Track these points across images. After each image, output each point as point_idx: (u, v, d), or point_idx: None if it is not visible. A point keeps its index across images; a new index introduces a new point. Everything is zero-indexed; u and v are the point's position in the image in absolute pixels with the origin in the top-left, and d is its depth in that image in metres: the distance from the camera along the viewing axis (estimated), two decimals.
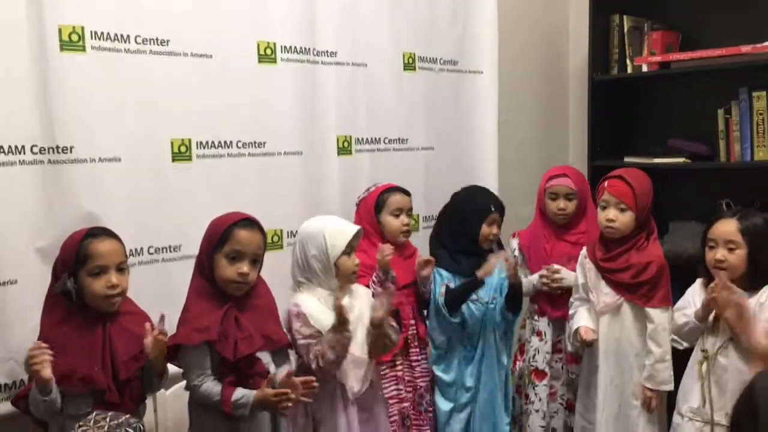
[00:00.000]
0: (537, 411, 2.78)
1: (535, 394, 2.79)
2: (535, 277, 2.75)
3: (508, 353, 2.70)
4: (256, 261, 2.07)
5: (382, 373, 2.47)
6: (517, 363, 2.85)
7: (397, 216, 2.58)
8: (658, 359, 2.42)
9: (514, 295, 2.61)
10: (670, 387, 2.44)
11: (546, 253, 2.77)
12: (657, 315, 2.43)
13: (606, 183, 2.51)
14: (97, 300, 1.89)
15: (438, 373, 2.64)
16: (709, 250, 2.32)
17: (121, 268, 1.94)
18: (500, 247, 2.73)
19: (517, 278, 2.58)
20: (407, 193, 2.65)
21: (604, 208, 2.50)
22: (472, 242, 2.60)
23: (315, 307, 2.17)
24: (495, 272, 2.58)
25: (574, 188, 2.73)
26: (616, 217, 2.46)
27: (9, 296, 2.12)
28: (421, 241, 2.88)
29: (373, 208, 2.58)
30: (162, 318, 1.93)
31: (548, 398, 2.77)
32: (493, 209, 2.59)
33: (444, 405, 2.63)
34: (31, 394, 1.82)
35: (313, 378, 2.04)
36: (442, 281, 2.59)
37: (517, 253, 2.85)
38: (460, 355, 2.62)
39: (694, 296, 2.38)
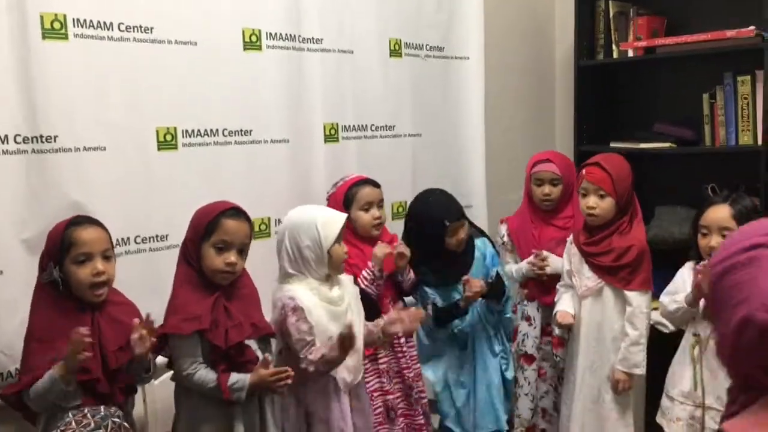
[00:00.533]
0: (526, 394, 2.82)
1: (525, 378, 2.82)
2: (523, 265, 2.77)
3: (501, 340, 2.69)
4: (243, 251, 2.07)
5: (363, 366, 2.46)
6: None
7: (367, 210, 2.54)
8: (633, 342, 2.44)
9: (490, 293, 2.59)
10: (642, 371, 2.46)
11: (534, 238, 2.79)
12: (636, 298, 2.45)
13: (584, 170, 2.52)
14: (83, 289, 1.88)
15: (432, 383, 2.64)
16: (702, 237, 2.31)
17: (107, 256, 1.93)
18: (475, 227, 2.71)
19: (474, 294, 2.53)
20: (376, 185, 2.60)
21: (584, 195, 2.51)
22: (443, 254, 2.56)
23: (311, 300, 2.16)
24: (475, 266, 2.57)
25: (558, 173, 2.74)
26: (596, 204, 2.47)
27: None
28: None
29: (342, 204, 2.54)
30: (148, 316, 1.92)
31: (537, 381, 2.80)
32: (447, 223, 2.51)
33: (447, 408, 2.63)
34: (48, 385, 1.79)
35: (287, 369, 2.03)
36: (427, 298, 2.58)
37: (506, 239, 2.87)
38: (452, 355, 2.62)
39: (684, 280, 2.37)
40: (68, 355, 1.78)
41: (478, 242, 2.64)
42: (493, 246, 2.76)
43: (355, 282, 2.39)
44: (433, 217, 2.54)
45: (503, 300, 2.65)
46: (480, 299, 2.57)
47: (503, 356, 2.71)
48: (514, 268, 2.79)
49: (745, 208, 2.28)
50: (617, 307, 2.50)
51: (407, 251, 2.50)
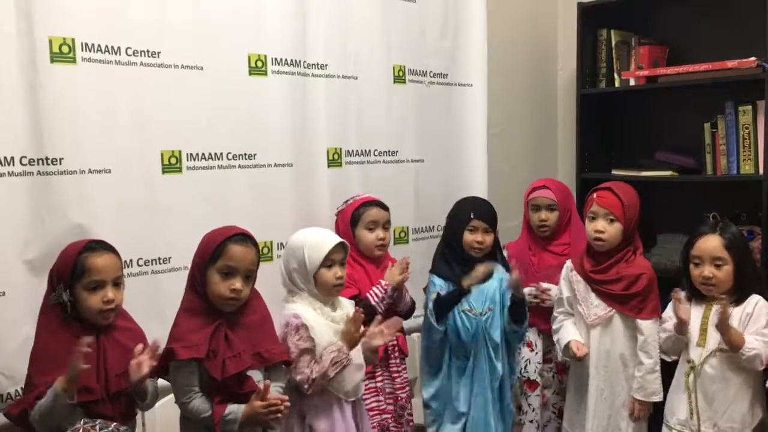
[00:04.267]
0: (531, 422, 2.79)
1: (528, 404, 2.80)
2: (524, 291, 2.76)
3: (506, 363, 2.67)
4: (250, 277, 2.04)
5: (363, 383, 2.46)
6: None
7: (372, 230, 2.57)
8: (648, 370, 2.43)
9: (517, 306, 2.56)
10: (659, 398, 2.46)
11: (532, 264, 2.80)
12: (647, 326, 2.45)
13: (595, 194, 2.54)
14: (92, 314, 1.88)
15: (426, 397, 2.62)
16: (695, 267, 2.34)
17: (117, 283, 1.92)
18: (501, 256, 2.72)
19: (519, 292, 2.53)
20: (384, 207, 2.63)
21: (592, 219, 2.52)
22: (460, 251, 2.59)
23: (315, 319, 2.17)
24: (490, 282, 2.57)
25: (554, 199, 2.75)
26: (604, 228, 2.48)
27: None
28: (411, 254, 2.89)
29: (348, 222, 2.58)
30: (155, 342, 1.91)
31: (540, 408, 2.78)
32: (472, 216, 2.57)
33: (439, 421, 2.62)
34: (51, 400, 1.77)
35: (286, 398, 2.00)
36: (435, 288, 2.59)
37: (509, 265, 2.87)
38: (453, 367, 2.61)
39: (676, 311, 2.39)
40: (69, 366, 1.77)
41: (499, 271, 2.64)
42: None
43: (361, 299, 2.41)
44: (460, 210, 2.64)
45: (523, 327, 2.62)
46: (489, 317, 2.57)
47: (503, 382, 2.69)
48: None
49: (734, 236, 2.33)
50: (627, 335, 2.50)
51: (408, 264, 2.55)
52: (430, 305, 2.56)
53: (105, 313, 1.89)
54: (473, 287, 2.53)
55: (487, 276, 2.53)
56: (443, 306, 2.55)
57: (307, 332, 2.13)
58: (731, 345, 2.21)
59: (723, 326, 2.20)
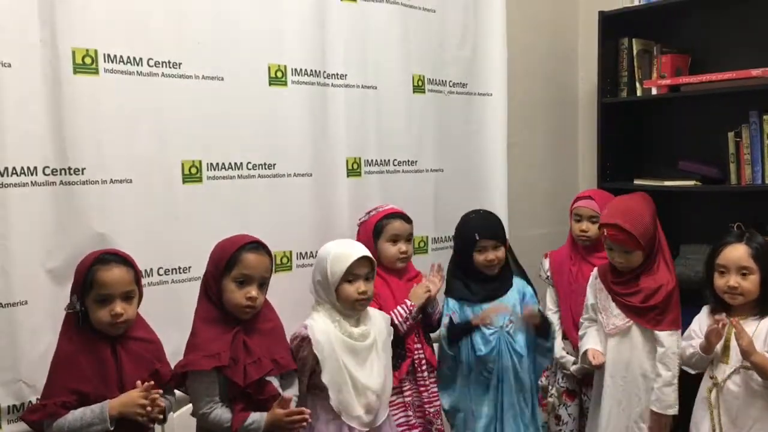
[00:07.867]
0: (572, 431, 2.78)
1: (568, 414, 2.79)
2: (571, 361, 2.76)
3: (535, 373, 2.57)
4: (264, 284, 2.07)
5: (389, 399, 2.43)
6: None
7: (395, 243, 2.55)
8: (666, 383, 2.40)
9: (538, 331, 2.50)
10: (675, 411, 2.42)
11: (572, 274, 2.79)
12: (666, 338, 2.42)
13: (605, 231, 2.46)
14: (102, 326, 1.89)
15: (441, 400, 2.55)
16: (720, 276, 2.30)
17: (128, 297, 1.92)
18: (518, 265, 2.69)
19: (534, 320, 2.45)
20: (408, 220, 2.61)
21: (610, 249, 2.49)
22: (473, 271, 2.52)
23: (327, 333, 2.15)
24: (510, 294, 2.55)
25: (597, 211, 2.71)
26: (624, 258, 2.46)
27: (19, 317, 2.12)
28: (430, 263, 2.88)
29: (371, 234, 2.55)
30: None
31: (578, 417, 2.78)
32: (477, 237, 2.47)
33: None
34: (93, 420, 1.80)
35: (307, 411, 2.01)
36: (448, 311, 2.52)
37: (549, 274, 2.87)
38: (474, 382, 2.53)
39: (702, 326, 2.35)
40: (129, 403, 1.81)
41: (517, 281, 2.59)
42: (532, 287, 2.67)
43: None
44: (466, 230, 2.53)
45: (550, 337, 2.54)
46: (511, 328, 2.51)
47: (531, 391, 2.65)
48: (563, 356, 2.78)
49: (761, 246, 2.28)
50: (646, 347, 2.46)
51: (436, 284, 2.53)
52: (443, 330, 2.50)
53: (114, 326, 1.89)
54: (485, 325, 2.45)
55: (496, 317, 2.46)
56: (455, 334, 2.48)
57: (309, 345, 2.11)
58: (759, 370, 2.16)
59: (744, 351, 2.16)
